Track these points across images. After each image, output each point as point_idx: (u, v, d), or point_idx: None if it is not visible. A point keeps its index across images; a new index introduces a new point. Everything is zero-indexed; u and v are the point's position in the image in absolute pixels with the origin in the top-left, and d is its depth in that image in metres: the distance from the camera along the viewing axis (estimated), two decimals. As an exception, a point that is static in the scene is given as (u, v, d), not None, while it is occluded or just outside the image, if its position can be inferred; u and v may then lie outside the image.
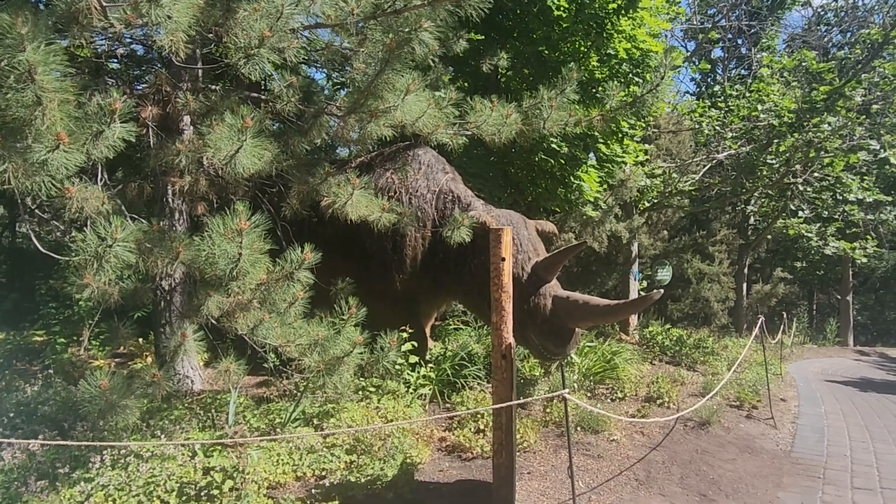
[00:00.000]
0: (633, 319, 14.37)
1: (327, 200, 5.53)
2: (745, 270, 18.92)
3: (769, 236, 18.91)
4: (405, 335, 5.60)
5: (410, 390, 5.66)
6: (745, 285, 18.84)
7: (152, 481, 4.04)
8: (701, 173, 14.28)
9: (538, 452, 5.22)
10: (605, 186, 11.37)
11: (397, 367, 5.66)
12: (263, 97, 6.20)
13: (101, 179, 4.84)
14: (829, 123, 11.07)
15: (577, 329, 6.20)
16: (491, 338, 4.25)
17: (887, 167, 12.69)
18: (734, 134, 13.09)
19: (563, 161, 9.30)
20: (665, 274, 14.02)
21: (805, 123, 11.46)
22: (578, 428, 5.72)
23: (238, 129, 4.04)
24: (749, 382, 8.43)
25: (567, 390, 3.54)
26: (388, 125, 5.47)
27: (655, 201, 14.04)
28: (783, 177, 12.92)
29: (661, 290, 5.74)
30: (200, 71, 6.55)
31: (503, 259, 4.17)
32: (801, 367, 13.54)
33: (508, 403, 3.95)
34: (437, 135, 6.18)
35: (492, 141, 6.32)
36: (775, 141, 12.32)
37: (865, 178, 15.79)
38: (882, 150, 11.27)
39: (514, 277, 6.35)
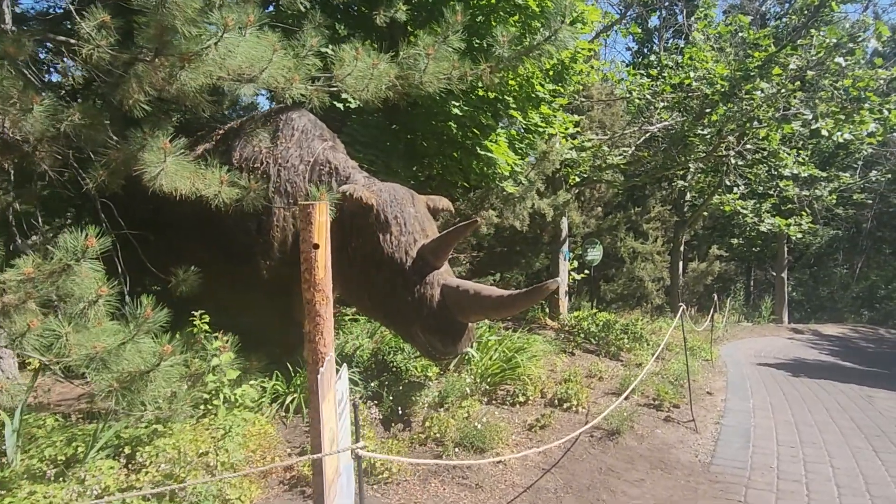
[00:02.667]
0: (564, 302, 13.57)
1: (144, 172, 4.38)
2: (682, 248, 18.37)
3: (705, 213, 18.39)
4: (220, 343, 4.44)
5: (233, 412, 4.50)
6: (680, 264, 18.29)
7: None
8: (634, 146, 13.45)
9: (403, 483, 4.20)
10: (525, 159, 10.39)
11: (217, 384, 4.52)
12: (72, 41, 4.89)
13: None
14: (762, 90, 10.32)
15: (470, 323, 5.25)
16: (306, 353, 3.17)
17: (818, 139, 12.14)
18: (666, 104, 12.26)
19: (475, 129, 8.22)
20: (595, 253, 13.21)
21: (738, 91, 10.70)
22: (457, 448, 4.73)
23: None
24: (672, 375, 7.65)
25: (362, 444, 2.49)
26: (212, 74, 4.32)
27: (585, 176, 13.15)
28: (715, 148, 12.19)
29: (559, 280, 4.77)
30: (8, 11, 5.22)
31: (316, 246, 3.06)
32: (734, 350, 13.01)
33: (320, 455, 2.88)
34: (293, 90, 5.04)
35: (360, 98, 5.23)
36: (707, 111, 11.55)
37: (801, 152, 15.30)
38: (815, 121, 10.61)
39: (398, 263, 5.36)
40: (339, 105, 7.98)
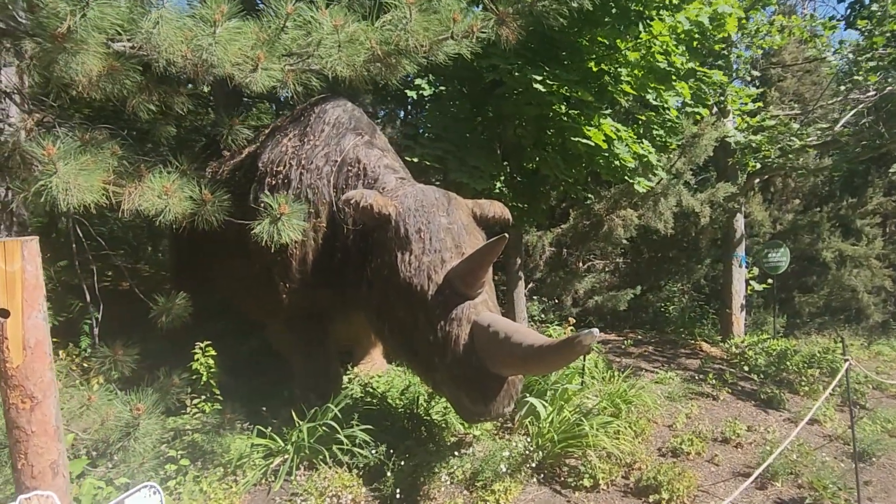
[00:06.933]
0: (740, 319, 10.99)
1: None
2: (917, 248, 14.35)
3: (954, 202, 14.15)
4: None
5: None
6: (916, 267, 14.31)
7: None
8: (840, 122, 10.39)
9: None
10: (671, 147, 8.30)
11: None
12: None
13: None
14: None
15: (510, 376, 3.81)
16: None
17: None
18: (876, 63, 9.17)
19: (570, 110, 6.44)
20: (777, 259, 10.41)
21: None
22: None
23: None
24: (859, 443, 5.30)
25: None
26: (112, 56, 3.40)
27: (766, 162, 10.45)
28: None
29: (595, 332, 3.07)
30: None
31: (4, 314, 1.85)
32: None
33: None
34: (258, 74, 3.95)
35: (338, 74, 3.98)
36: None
37: None
38: None
39: (417, 291, 4.06)
40: (412, 93, 6.79)
